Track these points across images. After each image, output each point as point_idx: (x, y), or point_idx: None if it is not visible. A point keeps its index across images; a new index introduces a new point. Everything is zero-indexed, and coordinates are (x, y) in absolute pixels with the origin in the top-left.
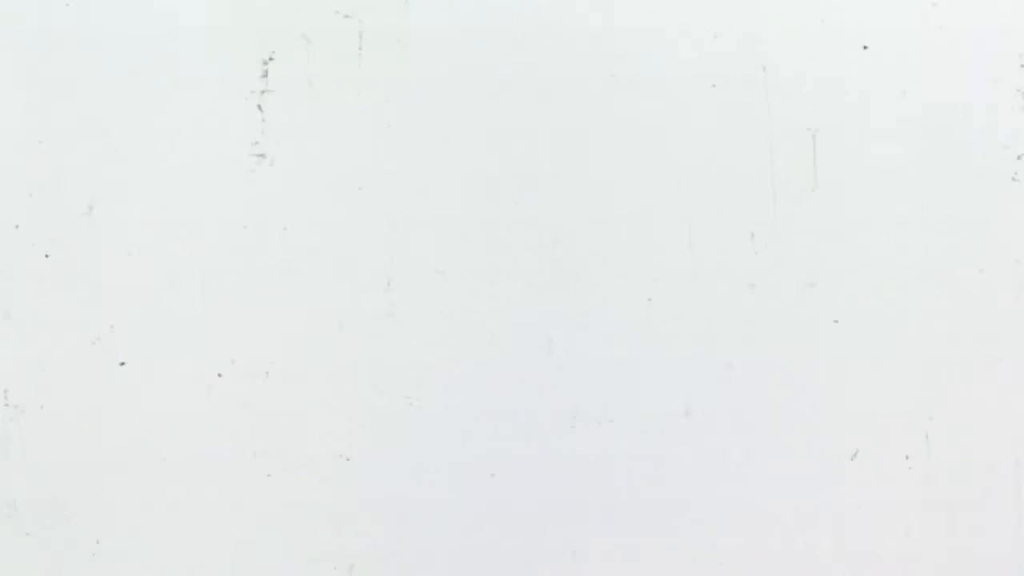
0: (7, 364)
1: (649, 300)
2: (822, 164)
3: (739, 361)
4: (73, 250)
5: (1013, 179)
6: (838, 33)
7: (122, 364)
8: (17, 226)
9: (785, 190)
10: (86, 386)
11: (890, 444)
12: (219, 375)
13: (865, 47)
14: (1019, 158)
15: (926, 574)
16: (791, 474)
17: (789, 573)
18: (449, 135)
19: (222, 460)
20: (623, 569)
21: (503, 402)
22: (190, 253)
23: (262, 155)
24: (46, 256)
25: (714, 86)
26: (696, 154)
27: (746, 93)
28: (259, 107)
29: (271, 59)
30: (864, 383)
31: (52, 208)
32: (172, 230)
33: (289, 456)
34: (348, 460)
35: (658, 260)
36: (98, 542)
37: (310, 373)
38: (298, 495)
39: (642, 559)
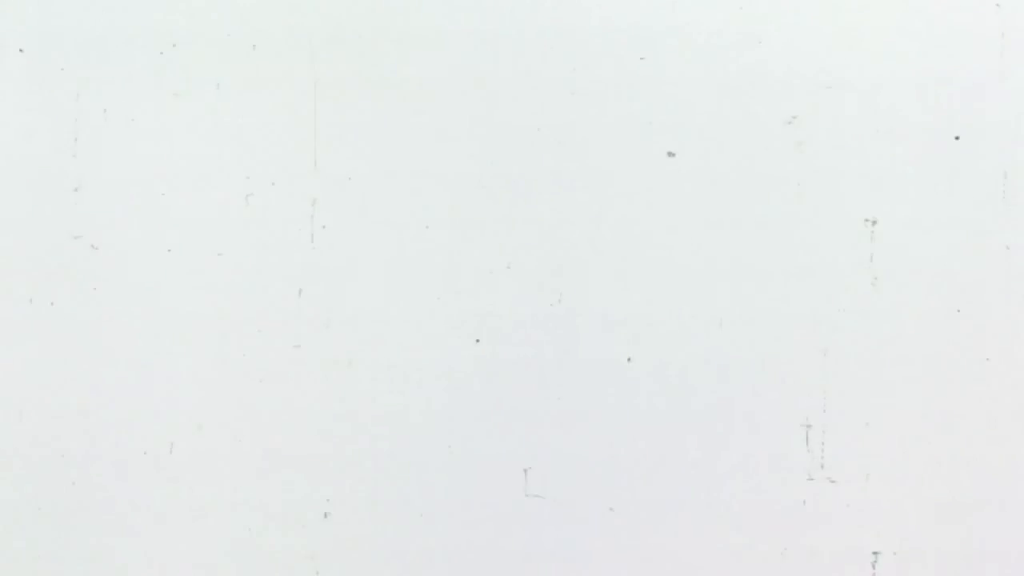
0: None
1: (651, 300)
2: (822, 162)
3: (740, 360)
4: (72, 252)
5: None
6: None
7: (123, 364)
8: (17, 228)
9: (785, 186)
10: (86, 387)
11: (891, 443)
12: (221, 376)
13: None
14: None
15: (927, 574)
16: (792, 474)
17: (789, 573)
18: (449, 135)
19: (222, 460)
20: (623, 569)
21: (503, 402)
22: (194, 253)
23: (265, 157)
24: (45, 258)
25: (715, 86)
26: (696, 153)
27: (746, 92)
28: (262, 106)
29: (273, 62)
30: (865, 381)
31: (51, 209)
32: (173, 231)
33: (289, 456)
34: (348, 459)
35: (659, 260)
36: (104, 543)
37: (312, 373)
38: (298, 495)
39: (642, 559)
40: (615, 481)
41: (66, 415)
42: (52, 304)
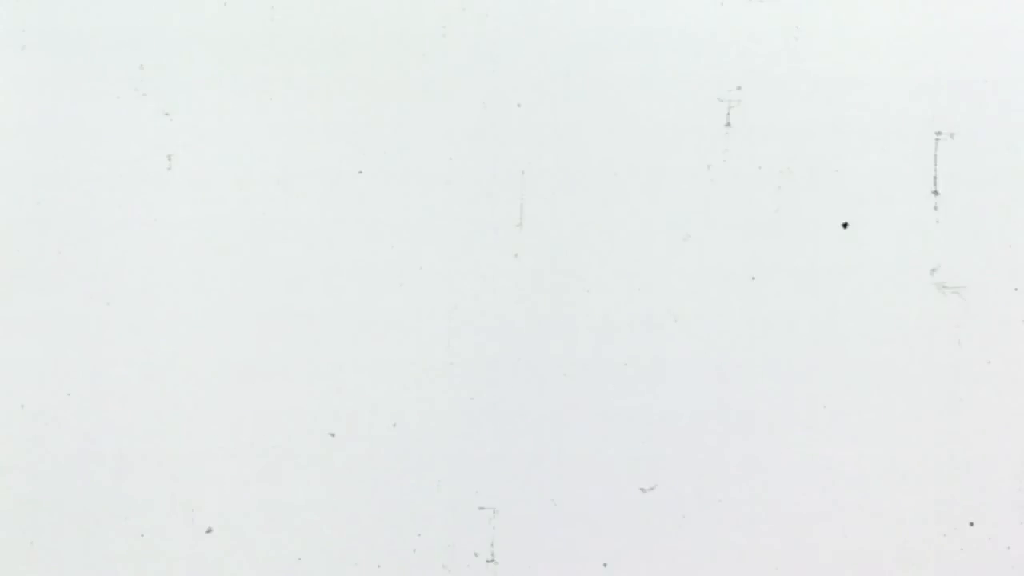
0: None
1: (650, 300)
2: (819, 162)
3: (740, 359)
4: (71, 248)
5: None
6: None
7: (122, 363)
8: (21, 224)
9: (783, 186)
10: (86, 385)
11: (890, 443)
12: (219, 375)
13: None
14: None
15: (927, 574)
16: (792, 474)
17: (789, 573)
18: (449, 135)
19: (222, 460)
20: (624, 569)
21: (503, 402)
22: (191, 251)
23: (267, 151)
24: (46, 255)
25: (714, 87)
26: (695, 153)
27: (741, 94)
28: (259, 102)
29: (266, 59)
30: (865, 380)
31: (53, 207)
32: (171, 229)
33: (289, 457)
34: (349, 460)
35: (657, 259)
36: (101, 543)
37: (312, 373)
38: (298, 495)
39: (642, 559)
40: (616, 482)
41: (64, 415)
42: (55, 298)
